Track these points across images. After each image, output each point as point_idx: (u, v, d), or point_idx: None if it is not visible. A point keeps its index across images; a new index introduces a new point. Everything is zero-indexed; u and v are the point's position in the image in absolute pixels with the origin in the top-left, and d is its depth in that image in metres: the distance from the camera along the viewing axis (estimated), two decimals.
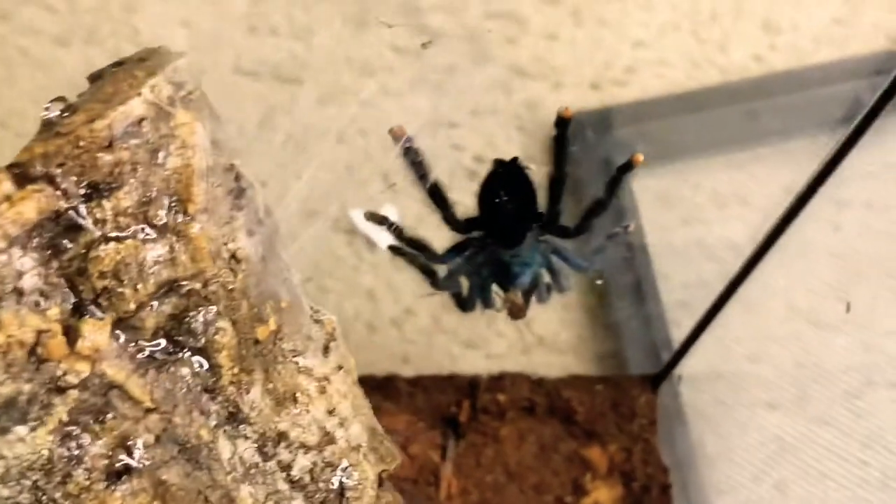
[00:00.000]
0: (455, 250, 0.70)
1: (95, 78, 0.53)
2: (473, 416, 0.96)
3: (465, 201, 0.98)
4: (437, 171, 1.13)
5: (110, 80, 0.52)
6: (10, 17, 1.09)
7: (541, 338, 1.14)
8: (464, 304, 0.72)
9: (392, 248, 0.73)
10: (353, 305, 1.15)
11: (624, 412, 0.98)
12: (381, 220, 0.69)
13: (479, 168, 1.09)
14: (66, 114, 0.49)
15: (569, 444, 0.98)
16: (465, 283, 0.73)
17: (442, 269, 0.73)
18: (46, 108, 0.50)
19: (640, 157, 0.64)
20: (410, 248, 0.70)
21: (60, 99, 0.50)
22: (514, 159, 0.66)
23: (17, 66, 1.11)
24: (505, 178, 0.66)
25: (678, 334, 1.06)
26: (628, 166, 0.65)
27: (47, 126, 0.49)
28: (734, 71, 1.12)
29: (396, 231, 0.70)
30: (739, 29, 1.11)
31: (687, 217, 1.14)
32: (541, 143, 1.12)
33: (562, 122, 0.63)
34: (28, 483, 0.45)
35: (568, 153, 0.64)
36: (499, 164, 0.67)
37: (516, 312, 0.72)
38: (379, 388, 0.95)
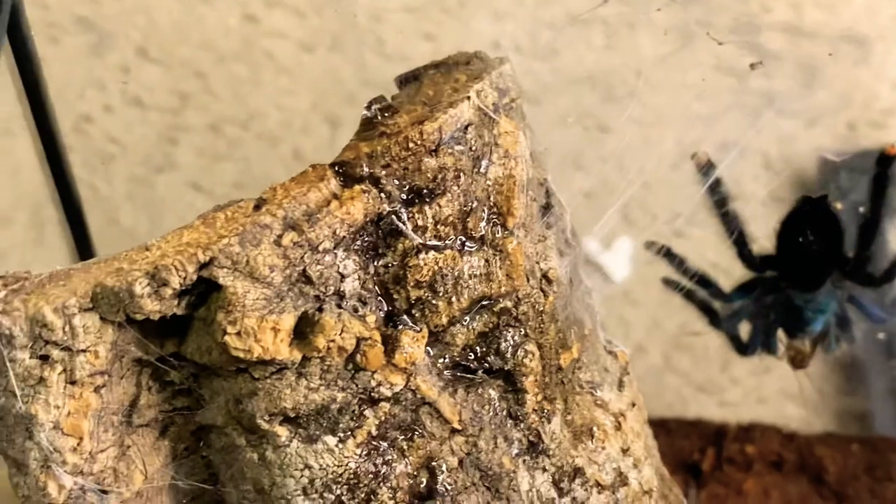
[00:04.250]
0: (744, 289, 0.65)
1: (407, 80, 0.51)
2: (717, 465, 0.91)
3: (708, 237, 0.92)
4: (678, 205, 1.08)
5: (428, 82, 0.50)
6: (259, 20, 1.10)
7: (781, 388, 1.08)
8: (743, 348, 0.68)
9: (668, 282, 0.69)
10: None
11: (879, 476, 0.91)
12: (666, 253, 0.65)
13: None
14: (385, 113, 0.47)
15: None
16: (745, 324, 0.69)
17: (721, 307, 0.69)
18: (367, 107, 0.48)
19: None
20: (693, 283, 0.66)
21: (380, 98, 0.49)
22: (824, 197, 0.61)
23: (262, 68, 1.11)
24: (812, 218, 0.61)
25: None
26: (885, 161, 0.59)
27: (367, 124, 0.47)
28: None
29: (680, 264, 0.66)
30: None
31: None
32: (790, 184, 1.07)
33: (884, 160, 0.58)
34: (331, 497, 0.43)
35: (887, 194, 0.59)
36: (806, 201, 0.62)
37: (800, 361, 0.67)
38: None
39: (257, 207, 0.43)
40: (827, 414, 1.04)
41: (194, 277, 0.41)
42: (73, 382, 0.42)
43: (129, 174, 1.11)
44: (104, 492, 0.43)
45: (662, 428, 0.93)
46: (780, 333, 0.68)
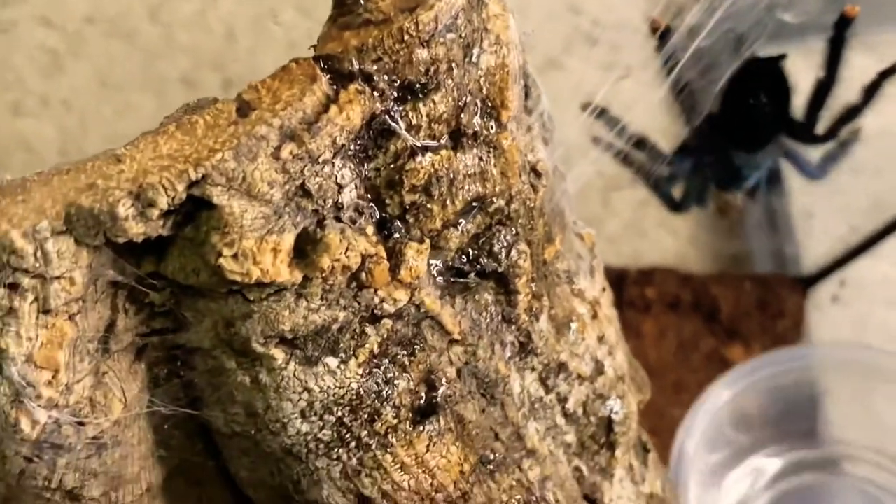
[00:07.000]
0: (685, 152, 0.64)
1: None
2: (618, 309, 0.92)
3: (587, 70, 0.90)
4: (554, 37, 1.05)
5: None
6: None
7: (660, 221, 1.09)
8: (677, 206, 0.67)
9: (598, 140, 0.67)
10: None
11: (770, 312, 0.94)
12: (608, 119, 0.63)
13: (595, 32, 1.01)
14: None
15: (709, 341, 0.94)
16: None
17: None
18: None
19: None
20: (633, 147, 0.64)
21: None
22: (782, 57, 0.59)
23: None
24: (763, 79, 0.60)
25: (823, 241, 1.00)
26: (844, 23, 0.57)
27: (341, 6, 0.42)
28: None
29: (614, 124, 0.64)
30: None
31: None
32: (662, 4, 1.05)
33: (843, 23, 0.56)
34: (332, 419, 0.41)
35: (843, 56, 0.58)
36: (757, 62, 0.60)
37: (728, 212, 0.67)
38: None
39: (241, 111, 0.38)
40: (711, 254, 1.05)
41: (184, 196, 0.36)
42: (46, 312, 0.37)
43: None
44: (81, 423, 0.40)
45: None
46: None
